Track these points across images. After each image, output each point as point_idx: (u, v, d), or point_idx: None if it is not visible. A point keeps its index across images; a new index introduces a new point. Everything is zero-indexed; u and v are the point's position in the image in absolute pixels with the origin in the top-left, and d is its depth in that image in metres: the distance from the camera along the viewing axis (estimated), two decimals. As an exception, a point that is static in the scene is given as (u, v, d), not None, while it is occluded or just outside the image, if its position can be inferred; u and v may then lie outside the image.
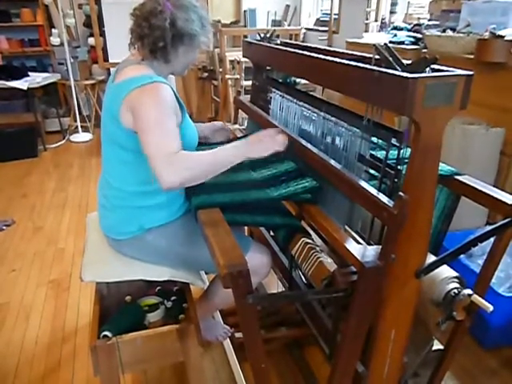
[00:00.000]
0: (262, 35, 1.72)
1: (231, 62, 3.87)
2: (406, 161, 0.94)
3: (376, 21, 4.14)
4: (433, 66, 0.87)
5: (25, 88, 4.14)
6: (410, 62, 0.88)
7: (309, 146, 1.32)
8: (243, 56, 1.86)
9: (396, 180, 1.04)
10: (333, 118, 1.27)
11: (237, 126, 2.03)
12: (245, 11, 5.59)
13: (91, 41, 4.83)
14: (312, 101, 1.39)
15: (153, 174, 1.15)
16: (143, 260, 1.41)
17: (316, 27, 5.29)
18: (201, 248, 1.20)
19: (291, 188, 1.26)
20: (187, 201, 1.38)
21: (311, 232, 1.37)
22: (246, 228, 1.99)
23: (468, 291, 1.01)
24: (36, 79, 4.36)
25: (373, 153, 1.15)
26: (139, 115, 1.19)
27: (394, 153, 1.05)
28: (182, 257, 1.39)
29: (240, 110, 2.02)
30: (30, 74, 4.47)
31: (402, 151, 1.03)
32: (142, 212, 1.35)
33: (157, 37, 1.26)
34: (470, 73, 0.85)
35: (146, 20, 1.26)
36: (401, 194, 0.90)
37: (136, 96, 1.20)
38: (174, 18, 1.25)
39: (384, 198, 0.96)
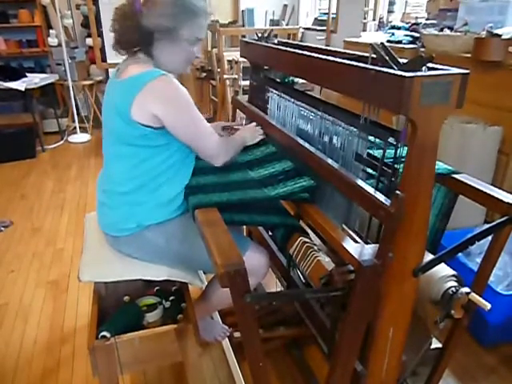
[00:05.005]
0: (260, 35, 1.72)
1: (229, 61, 3.87)
2: (404, 160, 0.94)
3: (374, 20, 4.15)
4: (429, 65, 0.87)
5: (23, 89, 4.13)
6: (406, 60, 0.89)
7: (306, 145, 1.32)
8: (241, 56, 1.86)
9: (393, 179, 1.04)
10: (330, 118, 1.27)
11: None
12: (243, 11, 5.59)
13: (89, 41, 4.82)
14: (309, 100, 1.39)
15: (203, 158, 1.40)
16: (141, 259, 1.41)
17: (314, 27, 5.29)
18: (199, 247, 1.20)
19: (289, 187, 1.26)
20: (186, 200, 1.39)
21: (309, 231, 1.37)
22: (244, 228, 1.99)
23: (466, 289, 1.01)
24: (34, 80, 4.36)
25: (370, 152, 1.15)
26: (170, 110, 1.26)
27: (391, 152, 1.05)
28: (180, 255, 1.39)
29: (238, 110, 2.02)
30: (27, 74, 4.47)
31: (399, 150, 1.03)
32: (142, 209, 1.35)
33: (128, 39, 1.30)
34: (466, 71, 0.85)
35: (118, 23, 1.31)
36: (398, 192, 0.90)
37: (153, 90, 1.24)
38: (142, 16, 1.26)
39: (381, 197, 0.96)
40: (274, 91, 1.62)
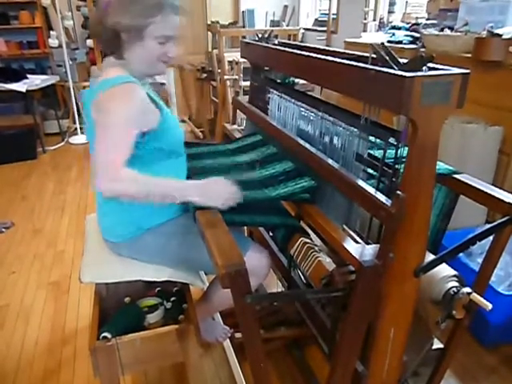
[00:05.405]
0: (260, 36, 1.72)
1: (230, 62, 3.86)
2: (404, 160, 0.94)
3: (374, 20, 4.15)
4: (429, 65, 0.87)
5: (23, 90, 4.14)
6: (406, 60, 0.88)
7: (307, 145, 1.32)
8: (241, 57, 1.86)
9: (394, 179, 1.04)
10: (330, 118, 1.27)
11: (235, 127, 2.03)
12: (243, 12, 5.59)
13: (89, 42, 4.83)
14: (310, 101, 1.39)
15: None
16: (142, 261, 1.41)
17: (314, 27, 5.30)
18: (200, 248, 1.20)
19: (289, 188, 1.26)
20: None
21: (310, 232, 1.37)
22: (245, 228, 1.99)
23: (467, 290, 1.01)
24: (35, 81, 4.37)
25: (370, 152, 1.15)
26: (101, 113, 1.18)
27: (391, 152, 1.05)
28: (181, 256, 1.39)
29: (238, 111, 2.02)
30: (28, 76, 4.47)
31: (399, 150, 1.03)
32: (141, 212, 1.34)
33: (101, 42, 1.28)
34: (467, 71, 0.85)
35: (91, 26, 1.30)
36: (398, 192, 0.90)
37: (104, 97, 1.18)
38: (106, 15, 1.21)
39: (382, 197, 0.96)
40: (275, 92, 1.62)
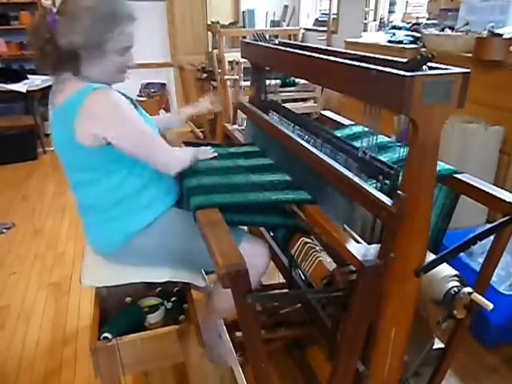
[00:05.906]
0: (256, 37, 1.71)
1: (230, 62, 3.86)
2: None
3: (375, 20, 4.15)
4: (430, 65, 0.87)
5: (24, 91, 4.15)
6: (406, 60, 0.88)
7: (307, 145, 1.32)
8: (241, 57, 1.86)
9: (391, 180, 1.03)
10: (329, 147, 1.28)
11: (236, 127, 2.03)
12: (243, 12, 5.59)
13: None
14: (310, 127, 1.40)
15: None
16: (141, 264, 1.39)
17: (315, 27, 5.30)
18: (194, 239, 1.18)
19: (289, 196, 1.26)
20: (170, 196, 1.41)
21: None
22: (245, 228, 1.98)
23: (468, 289, 1.01)
24: (35, 82, 4.37)
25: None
26: (109, 128, 1.19)
27: (393, 156, 1.05)
28: (179, 250, 1.37)
29: (239, 111, 2.01)
30: (29, 76, 4.47)
31: (401, 151, 1.03)
32: (125, 218, 1.32)
33: (50, 61, 1.20)
34: (467, 71, 0.84)
35: (33, 42, 1.20)
36: (399, 192, 0.90)
37: (86, 112, 1.16)
38: (57, 33, 1.14)
39: (383, 197, 0.96)
40: (275, 114, 1.62)
